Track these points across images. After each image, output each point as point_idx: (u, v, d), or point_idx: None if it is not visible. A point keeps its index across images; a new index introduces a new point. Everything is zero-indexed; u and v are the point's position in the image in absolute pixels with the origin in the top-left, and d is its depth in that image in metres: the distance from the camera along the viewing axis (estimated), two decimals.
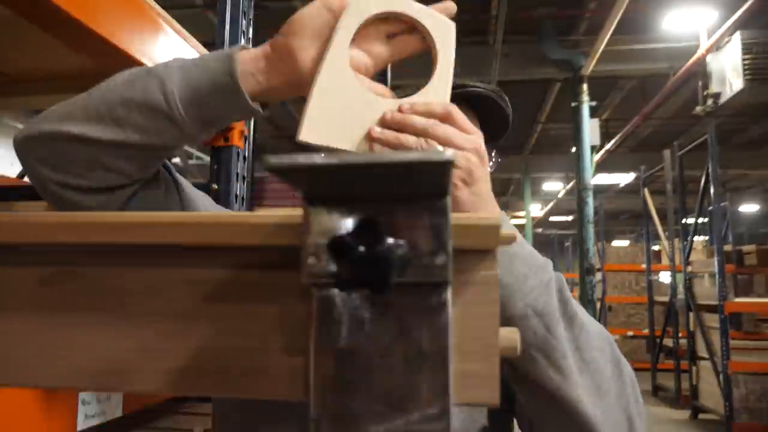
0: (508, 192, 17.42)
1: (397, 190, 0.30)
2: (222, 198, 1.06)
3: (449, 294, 0.33)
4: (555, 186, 14.71)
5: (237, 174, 1.07)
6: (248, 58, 0.56)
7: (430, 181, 0.29)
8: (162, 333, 0.36)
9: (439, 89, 0.61)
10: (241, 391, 0.35)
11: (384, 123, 0.57)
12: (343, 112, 0.58)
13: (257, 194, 3.34)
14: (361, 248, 0.27)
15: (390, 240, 0.28)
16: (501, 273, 0.56)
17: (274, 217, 0.34)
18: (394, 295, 0.33)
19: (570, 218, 15.30)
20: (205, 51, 1.04)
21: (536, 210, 16.98)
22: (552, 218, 18.10)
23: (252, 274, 0.36)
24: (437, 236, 0.31)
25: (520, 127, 11.52)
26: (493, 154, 0.80)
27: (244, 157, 1.10)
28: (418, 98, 0.61)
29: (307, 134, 0.58)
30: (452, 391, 0.33)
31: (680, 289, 5.75)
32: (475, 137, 0.57)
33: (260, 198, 3.35)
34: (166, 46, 0.88)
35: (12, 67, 1.03)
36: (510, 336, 0.34)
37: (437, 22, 0.61)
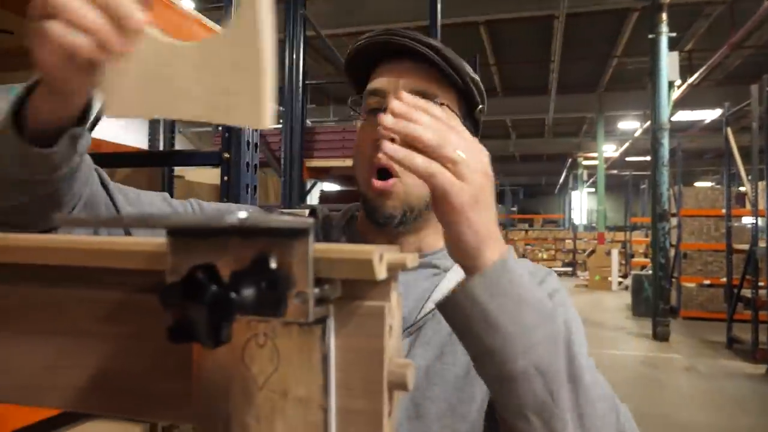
0: (580, 132, 16.60)
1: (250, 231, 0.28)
2: (233, 167, 1.06)
3: (325, 331, 0.31)
4: (632, 125, 13.84)
5: (248, 142, 1.06)
6: (36, 100, 0.49)
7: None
8: (64, 351, 0.36)
9: (247, 21, 0.44)
10: (139, 413, 0.35)
11: (388, 128, 0.49)
12: (145, 76, 0.47)
13: (307, 146, 3.36)
14: (192, 295, 0.25)
15: (229, 285, 0.26)
16: (505, 321, 0.48)
17: (156, 244, 0.33)
18: (272, 331, 0.31)
19: (648, 158, 14.44)
20: None
21: (611, 150, 16.12)
22: (628, 158, 17.16)
23: (145, 297, 0.35)
24: (289, 273, 0.28)
25: (593, 62, 10.79)
26: (434, 97, 0.67)
27: None
28: (223, 33, 0.45)
29: (111, 111, 0.49)
30: (333, 427, 0.31)
31: (762, 236, 5.35)
32: (482, 154, 0.51)
33: (310, 150, 3.37)
34: None
35: None
36: (399, 371, 0.31)
37: None
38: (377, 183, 0.65)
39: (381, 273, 0.29)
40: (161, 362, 0.34)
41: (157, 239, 0.34)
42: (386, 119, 0.50)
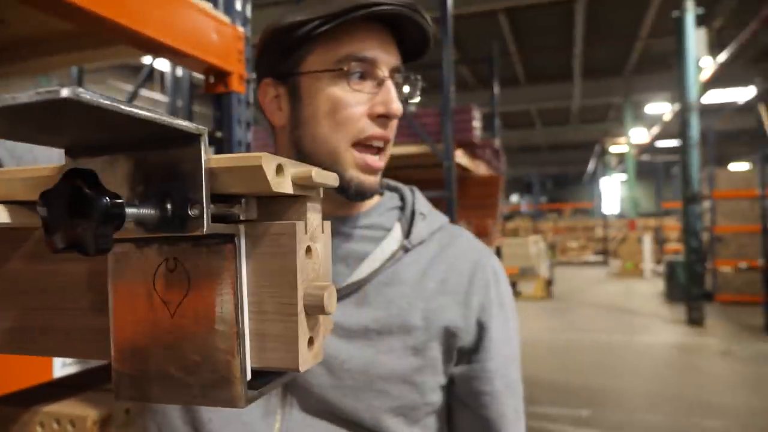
0: (607, 118, 16.23)
1: (137, 136, 0.27)
2: (225, 146, 1.06)
3: (236, 251, 0.29)
4: (662, 108, 13.45)
5: (239, 120, 1.05)
6: None
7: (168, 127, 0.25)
8: None
9: None
10: (60, 351, 0.34)
11: None
12: None
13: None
14: (63, 204, 0.24)
15: (101, 193, 0.25)
16: None
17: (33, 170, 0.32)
18: (182, 254, 0.30)
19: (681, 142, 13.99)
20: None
21: (641, 135, 15.70)
22: (659, 143, 16.70)
23: None
24: (184, 185, 0.27)
25: (617, 45, 10.53)
26: (417, 78, 0.66)
27: (247, 102, 1.08)
28: None
29: None
30: (248, 355, 0.30)
31: None
32: None
33: None
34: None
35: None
36: (316, 293, 0.30)
37: None
38: (375, 162, 0.63)
39: (280, 184, 0.28)
40: (78, 299, 0.33)
41: None
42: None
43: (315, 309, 0.30)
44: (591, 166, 22.21)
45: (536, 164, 21.96)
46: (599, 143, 18.05)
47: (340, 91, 0.61)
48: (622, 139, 15.65)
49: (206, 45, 0.99)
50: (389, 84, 0.62)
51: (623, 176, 20.98)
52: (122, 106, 0.21)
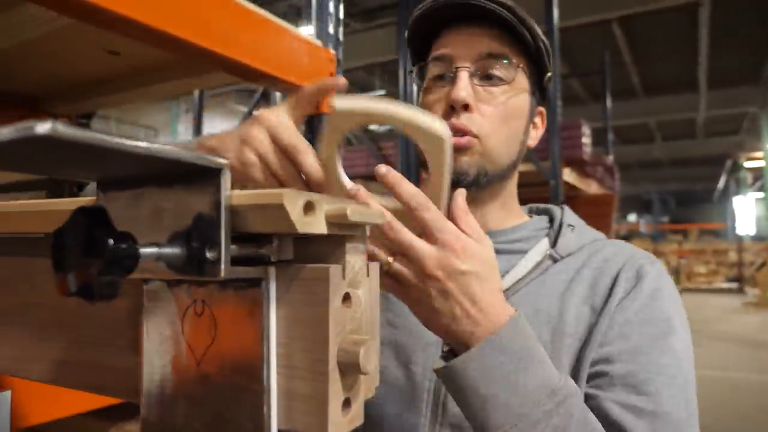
0: (740, 130, 14.72)
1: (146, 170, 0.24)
2: None
3: (263, 297, 0.26)
4: None
5: None
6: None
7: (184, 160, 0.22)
8: (44, 323, 0.35)
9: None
10: (96, 388, 0.33)
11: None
12: None
13: None
14: (74, 245, 0.22)
15: (110, 234, 0.22)
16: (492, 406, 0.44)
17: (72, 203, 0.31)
18: (209, 297, 0.27)
19: None
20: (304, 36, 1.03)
21: None
22: None
23: None
24: (204, 224, 0.24)
25: (749, 50, 9.55)
26: (503, 58, 0.62)
27: None
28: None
29: None
30: (274, 415, 0.26)
31: None
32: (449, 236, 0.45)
33: None
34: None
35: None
36: (351, 349, 0.26)
37: (427, 136, 0.48)
38: (453, 139, 0.59)
39: (308, 224, 0.24)
40: (117, 335, 0.32)
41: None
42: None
43: (349, 367, 0.26)
44: (721, 182, 20.22)
45: (656, 181, 20.40)
46: (731, 157, 16.41)
47: (424, 97, 0.66)
48: (758, 153, 14.10)
49: (299, 69, 1.00)
50: (459, 74, 0.62)
51: (760, 194, 18.85)
52: (109, 139, 0.19)
